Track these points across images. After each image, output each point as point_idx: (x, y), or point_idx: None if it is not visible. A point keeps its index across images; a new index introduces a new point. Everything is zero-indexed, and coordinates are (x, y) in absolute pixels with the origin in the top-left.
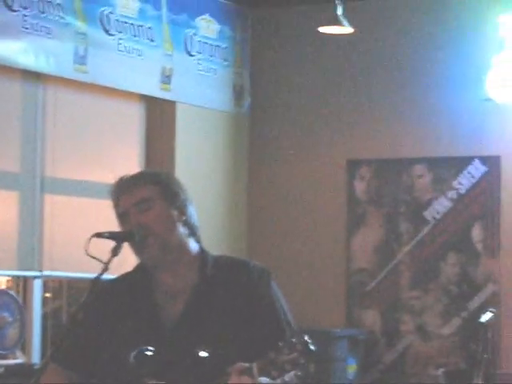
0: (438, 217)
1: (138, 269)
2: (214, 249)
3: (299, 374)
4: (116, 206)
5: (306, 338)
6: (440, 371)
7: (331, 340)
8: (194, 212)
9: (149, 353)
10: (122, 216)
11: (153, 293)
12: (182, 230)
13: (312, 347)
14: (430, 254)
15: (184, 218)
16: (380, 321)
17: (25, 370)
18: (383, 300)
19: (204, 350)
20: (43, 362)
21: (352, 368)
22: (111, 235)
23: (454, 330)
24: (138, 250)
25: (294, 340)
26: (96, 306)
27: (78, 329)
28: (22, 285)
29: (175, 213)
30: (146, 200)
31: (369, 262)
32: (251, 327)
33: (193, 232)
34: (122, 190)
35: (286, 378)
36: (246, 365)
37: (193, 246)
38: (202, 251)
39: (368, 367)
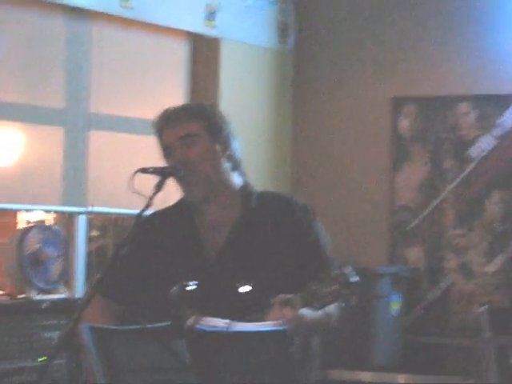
0: (482, 154)
1: (180, 202)
2: (258, 183)
3: (342, 305)
4: (160, 138)
5: (349, 269)
6: (483, 309)
7: (374, 277)
8: (237, 146)
9: (190, 287)
10: (165, 149)
11: (195, 226)
12: (226, 164)
13: (353, 279)
14: (475, 191)
15: (228, 153)
16: (423, 258)
17: (68, 304)
18: (427, 238)
19: (244, 285)
20: (86, 297)
21: (395, 305)
22: (155, 170)
23: (498, 267)
24: (182, 185)
25: (335, 272)
26: (139, 240)
27: (122, 262)
28: (67, 220)
29: (220, 148)
30: (191, 135)
31: (413, 199)
32: (294, 262)
33: (237, 166)
34: (167, 123)
35: (327, 309)
36: (289, 296)
37: (237, 180)
38: (246, 185)
39: (411, 304)
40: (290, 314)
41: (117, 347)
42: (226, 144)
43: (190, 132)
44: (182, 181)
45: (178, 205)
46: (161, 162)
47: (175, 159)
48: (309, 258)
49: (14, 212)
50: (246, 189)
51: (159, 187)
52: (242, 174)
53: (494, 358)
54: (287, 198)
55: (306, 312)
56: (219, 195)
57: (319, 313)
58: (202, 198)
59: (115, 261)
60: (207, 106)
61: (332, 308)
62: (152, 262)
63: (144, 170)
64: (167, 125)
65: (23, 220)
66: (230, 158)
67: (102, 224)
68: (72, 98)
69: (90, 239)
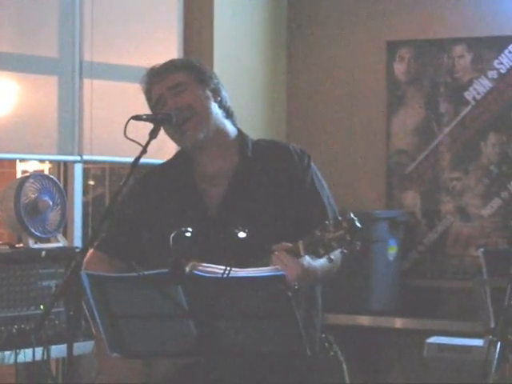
0: (478, 97)
1: (177, 156)
2: (253, 129)
3: (345, 251)
4: (149, 94)
5: (352, 215)
6: (480, 251)
7: (371, 221)
8: (227, 96)
9: (188, 234)
10: (157, 103)
11: (194, 178)
12: (218, 110)
13: (358, 224)
14: (471, 134)
15: (219, 99)
16: (420, 202)
17: (66, 253)
18: (423, 181)
19: (243, 231)
20: (84, 247)
21: (392, 249)
22: (149, 118)
23: (495, 210)
24: (177, 132)
25: (339, 218)
26: (139, 193)
27: (119, 217)
28: (63, 170)
29: (210, 93)
30: (180, 84)
31: (409, 143)
32: (294, 209)
33: (229, 114)
34: (155, 78)
35: (332, 255)
36: (290, 244)
37: (230, 128)
38: (241, 133)
39: (408, 248)
40: (292, 261)
41: (114, 294)
42: (216, 91)
43: (179, 81)
44: (176, 128)
45: (175, 159)
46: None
47: (167, 108)
48: (307, 204)
49: (11, 162)
50: (240, 137)
51: (153, 134)
52: (235, 124)
53: (491, 300)
54: (283, 145)
55: (308, 260)
56: (215, 143)
57: (321, 261)
58: (198, 142)
59: (112, 215)
60: (194, 60)
61: (336, 254)
62: (151, 217)
63: (138, 118)
64: (155, 79)
65: (20, 170)
66: (222, 105)
67: (98, 173)
68: (65, 47)
69: (86, 189)
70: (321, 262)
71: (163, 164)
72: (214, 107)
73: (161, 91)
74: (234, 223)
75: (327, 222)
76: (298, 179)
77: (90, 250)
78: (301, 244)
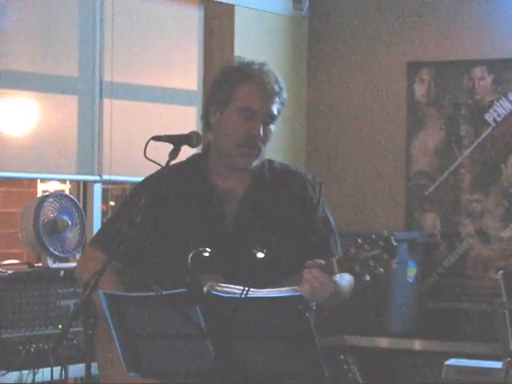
0: (498, 119)
1: (193, 161)
2: (273, 151)
3: (381, 270)
4: (229, 87)
5: (387, 234)
6: (500, 274)
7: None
8: None
9: (206, 254)
10: (241, 109)
11: (212, 188)
12: None
13: (394, 243)
14: (491, 156)
15: None
16: (440, 224)
17: None
18: (443, 203)
19: (261, 251)
20: (102, 267)
21: (412, 271)
22: (169, 138)
23: None
24: (235, 151)
25: (374, 236)
26: (148, 197)
27: (127, 219)
28: (82, 190)
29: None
30: (274, 118)
31: (429, 165)
32: (307, 234)
33: None
34: (264, 89)
35: (367, 275)
36: (322, 261)
37: None
38: None
39: (428, 270)
40: (326, 278)
41: (132, 313)
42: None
43: (275, 115)
44: (240, 148)
45: (190, 163)
46: (174, 130)
47: (255, 129)
48: (320, 231)
49: (32, 182)
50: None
51: (173, 155)
52: None
53: (510, 323)
54: (298, 170)
55: (338, 278)
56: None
57: (345, 281)
58: (248, 168)
59: (120, 218)
60: (285, 86)
61: (349, 278)
62: (162, 221)
63: (158, 138)
64: (257, 88)
65: (41, 190)
66: None
67: (119, 193)
68: (85, 67)
69: (106, 210)
70: (345, 282)
71: (177, 166)
72: None
73: (257, 108)
74: (249, 240)
75: (360, 241)
76: (312, 206)
77: (89, 248)
78: (335, 261)
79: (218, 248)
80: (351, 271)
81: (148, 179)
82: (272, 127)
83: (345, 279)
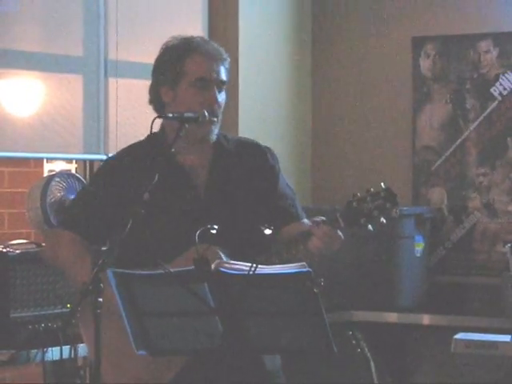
0: (504, 93)
1: (152, 140)
2: (278, 118)
3: (384, 221)
4: (179, 62)
5: (383, 184)
6: (507, 247)
7: (398, 218)
8: None
9: (213, 230)
10: (197, 81)
11: (177, 158)
12: None
13: (393, 191)
14: (497, 130)
15: None
16: (447, 198)
17: (92, 251)
18: (450, 177)
19: (268, 228)
20: (110, 245)
21: (419, 246)
22: (174, 116)
23: None
24: (201, 127)
25: (372, 189)
26: (114, 174)
27: (92, 196)
28: (89, 169)
29: None
30: (224, 83)
31: (435, 139)
32: (272, 200)
33: None
34: (213, 56)
35: (370, 226)
36: (323, 218)
37: None
38: None
39: (435, 245)
40: (334, 234)
41: (141, 291)
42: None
43: (224, 79)
44: (201, 122)
45: (151, 140)
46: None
47: (212, 97)
48: (285, 197)
49: (38, 162)
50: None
51: (179, 133)
52: None
53: None
54: (253, 140)
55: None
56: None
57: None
58: (210, 141)
59: (83, 196)
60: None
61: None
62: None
63: (163, 116)
64: (213, 58)
65: (47, 170)
66: None
67: None
68: (90, 46)
69: None
70: None
71: (138, 146)
72: None
73: (209, 76)
74: (223, 209)
75: (360, 195)
76: (275, 173)
77: (60, 230)
78: (339, 216)
79: (194, 220)
80: (356, 224)
81: (111, 160)
82: (224, 94)
83: None
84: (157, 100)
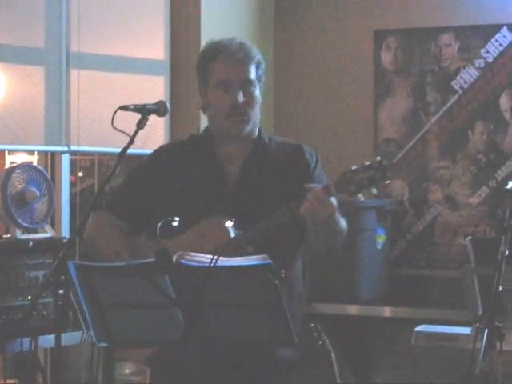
0: (465, 86)
1: (194, 136)
2: None
3: (374, 190)
4: (204, 67)
5: (379, 158)
6: (468, 240)
7: (360, 210)
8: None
9: (175, 223)
10: (218, 83)
11: (216, 156)
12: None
13: (386, 162)
14: (458, 123)
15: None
16: (408, 191)
17: (54, 243)
18: (411, 170)
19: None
20: (71, 237)
21: (381, 238)
22: (137, 108)
23: (482, 199)
24: (227, 120)
25: (368, 162)
26: (158, 162)
27: (136, 181)
28: (50, 161)
29: (260, 92)
30: (252, 82)
31: (396, 132)
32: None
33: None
34: (233, 59)
35: (360, 195)
36: (320, 186)
37: (258, 117)
38: (259, 127)
39: (396, 237)
40: (327, 198)
41: (102, 283)
42: (262, 87)
43: (252, 78)
44: (229, 117)
45: (194, 137)
46: (142, 100)
47: (234, 98)
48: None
49: (0, 154)
50: (258, 130)
51: (141, 125)
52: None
53: (478, 289)
54: (297, 143)
55: (336, 203)
56: (248, 132)
57: (342, 219)
58: (242, 134)
59: (129, 182)
60: (258, 52)
61: (343, 222)
62: (167, 188)
63: (125, 108)
64: (232, 61)
65: (9, 162)
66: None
67: (87, 165)
68: (52, 37)
69: (74, 181)
70: (342, 220)
71: (186, 139)
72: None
73: (231, 78)
74: (251, 199)
75: (354, 167)
76: (309, 169)
77: (100, 212)
78: (332, 184)
79: (221, 210)
80: (347, 191)
81: (161, 149)
82: (254, 90)
83: (341, 218)
84: (202, 102)
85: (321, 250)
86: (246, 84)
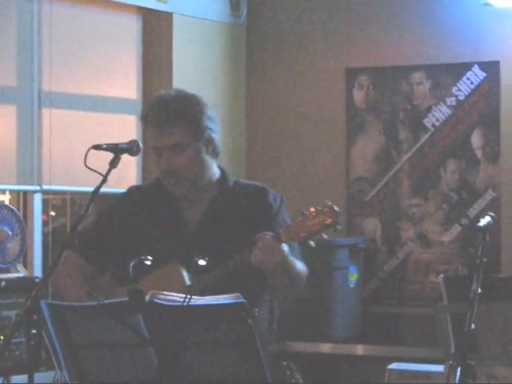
0: (437, 124)
1: (159, 180)
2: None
3: (325, 236)
4: (145, 128)
5: (329, 202)
6: (440, 277)
7: (333, 249)
8: (217, 132)
9: (148, 262)
10: (154, 148)
11: (176, 201)
12: (208, 159)
13: (336, 208)
14: (430, 161)
15: (211, 147)
16: (380, 229)
17: (26, 283)
18: (383, 208)
19: (203, 259)
20: (44, 276)
21: (353, 276)
22: (109, 147)
23: (454, 236)
24: (166, 182)
25: (318, 207)
26: (120, 209)
27: (100, 227)
28: (22, 200)
29: (204, 147)
30: (180, 144)
31: (369, 170)
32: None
33: (217, 153)
34: (158, 125)
35: (311, 242)
36: (271, 233)
37: (215, 169)
38: (223, 171)
39: (369, 275)
40: (276, 245)
41: (74, 323)
42: (209, 140)
43: (178, 141)
44: (166, 180)
45: (157, 181)
46: (114, 139)
47: (162, 166)
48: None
49: None
50: (223, 174)
51: (113, 164)
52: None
53: (451, 326)
54: (262, 186)
55: (287, 250)
56: (198, 185)
57: (296, 261)
58: (184, 195)
59: (95, 225)
60: (192, 103)
61: (303, 267)
62: (131, 232)
63: (98, 147)
64: (158, 127)
65: None
66: (213, 150)
67: (59, 204)
68: (24, 76)
69: (47, 220)
70: (297, 262)
71: (145, 184)
72: (206, 160)
73: (159, 144)
74: (210, 245)
75: (306, 212)
76: (272, 213)
77: (69, 252)
78: (282, 232)
79: (182, 254)
80: (297, 237)
81: (127, 192)
82: (190, 151)
83: (297, 262)
84: None
85: (284, 293)
86: (177, 148)
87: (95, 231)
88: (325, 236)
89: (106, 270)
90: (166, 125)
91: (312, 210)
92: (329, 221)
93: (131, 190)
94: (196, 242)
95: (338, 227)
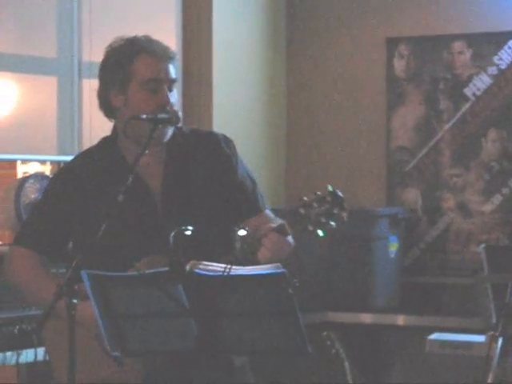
0: (478, 93)
1: (104, 143)
2: (252, 123)
3: (333, 224)
4: (127, 62)
5: (331, 187)
6: (481, 247)
7: (372, 219)
8: None
9: (188, 232)
10: (149, 82)
11: (130, 166)
12: None
13: (340, 194)
14: (471, 131)
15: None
16: (421, 199)
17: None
18: (424, 178)
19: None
20: (85, 246)
21: (393, 246)
22: (149, 118)
23: (496, 206)
24: (159, 129)
25: (319, 193)
26: (67, 184)
27: (47, 211)
28: None
29: None
30: (175, 81)
31: (409, 140)
32: (230, 193)
33: None
34: (161, 55)
35: (320, 231)
36: (273, 225)
37: None
38: None
39: (409, 245)
40: (284, 242)
41: (115, 293)
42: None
43: (175, 78)
44: (165, 124)
45: (103, 146)
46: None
47: (163, 100)
48: (244, 189)
49: (12, 164)
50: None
51: (153, 134)
52: None
53: (492, 297)
54: (209, 131)
55: (291, 239)
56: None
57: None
58: (162, 143)
59: (40, 211)
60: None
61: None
62: (87, 205)
63: (137, 117)
64: (162, 57)
65: (21, 172)
66: None
67: None
68: (64, 47)
69: None
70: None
71: (90, 152)
72: None
73: (160, 76)
74: (180, 213)
75: (307, 199)
76: (232, 164)
77: (14, 247)
78: (286, 224)
79: (151, 227)
80: (304, 231)
81: (64, 169)
82: (175, 93)
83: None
84: (107, 105)
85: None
86: (172, 84)
87: (40, 219)
88: (333, 224)
89: (60, 257)
90: (168, 58)
91: (314, 197)
92: (335, 210)
93: (76, 161)
94: (164, 213)
95: (345, 218)
